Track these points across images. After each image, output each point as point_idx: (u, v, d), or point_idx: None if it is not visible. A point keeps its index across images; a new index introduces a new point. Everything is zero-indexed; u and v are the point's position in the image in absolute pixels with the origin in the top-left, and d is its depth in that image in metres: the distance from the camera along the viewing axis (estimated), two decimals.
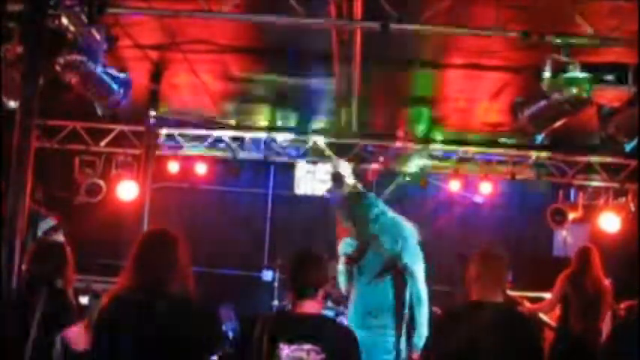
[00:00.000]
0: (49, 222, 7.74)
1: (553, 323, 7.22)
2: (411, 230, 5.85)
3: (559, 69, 5.73)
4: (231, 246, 10.47)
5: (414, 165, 7.80)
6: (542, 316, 7.33)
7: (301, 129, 9.90)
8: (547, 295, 7.41)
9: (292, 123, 9.80)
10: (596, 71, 5.89)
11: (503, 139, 9.23)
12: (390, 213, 5.96)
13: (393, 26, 5.49)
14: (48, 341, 4.26)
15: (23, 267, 4.67)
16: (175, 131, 9.71)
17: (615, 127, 6.10)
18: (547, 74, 5.74)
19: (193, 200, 10.53)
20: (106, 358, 3.69)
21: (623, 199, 9.49)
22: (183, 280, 3.80)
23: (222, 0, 5.69)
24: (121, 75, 6.36)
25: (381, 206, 5.94)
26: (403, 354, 5.40)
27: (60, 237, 6.69)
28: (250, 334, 3.49)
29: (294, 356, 3.41)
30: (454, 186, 10.13)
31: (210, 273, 9.25)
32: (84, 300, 6.39)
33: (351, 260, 5.76)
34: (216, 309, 8.74)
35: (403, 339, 5.54)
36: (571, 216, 9.56)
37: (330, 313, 8.56)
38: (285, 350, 3.42)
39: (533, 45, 5.81)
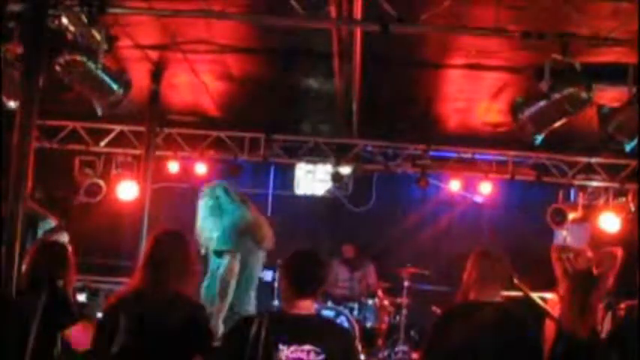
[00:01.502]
0: (50, 222, 7.75)
1: (555, 314, 7.15)
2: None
3: (559, 69, 5.74)
4: None
5: None
6: (543, 305, 7.28)
7: (301, 129, 9.90)
8: (548, 295, 7.39)
9: (292, 123, 9.79)
10: (596, 71, 5.90)
11: (503, 139, 9.23)
12: (244, 213, 6.19)
13: (393, 26, 5.49)
14: (48, 341, 4.26)
15: (23, 267, 4.67)
16: (175, 131, 9.71)
17: (615, 127, 6.10)
18: (547, 74, 5.75)
19: (193, 200, 10.50)
20: (108, 358, 3.70)
21: (623, 199, 9.49)
22: (192, 282, 3.84)
23: (223, 0, 5.69)
24: (121, 75, 6.36)
25: (235, 205, 6.20)
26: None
27: (64, 237, 6.69)
28: (244, 334, 3.46)
29: (294, 357, 3.40)
30: (454, 186, 10.14)
31: None
32: (81, 297, 6.40)
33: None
34: None
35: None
36: (571, 216, 9.55)
37: (330, 313, 8.58)
38: (284, 351, 3.41)
39: (533, 45, 5.81)
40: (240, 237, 6.15)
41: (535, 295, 7.38)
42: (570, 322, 6.99)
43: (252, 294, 6.35)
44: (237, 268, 6.03)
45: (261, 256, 6.45)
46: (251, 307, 6.30)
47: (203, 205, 6.34)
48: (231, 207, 6.26)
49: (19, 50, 5.64)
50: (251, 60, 7.50)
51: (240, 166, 9.81)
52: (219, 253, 6.14)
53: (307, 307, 3.57)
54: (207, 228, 6.28)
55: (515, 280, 7.08)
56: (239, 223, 6.19)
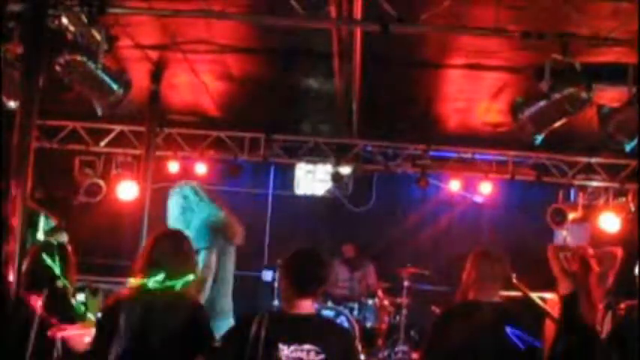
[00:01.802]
0: (50, 222, 7.75)
1: (555, 314, 7.15)
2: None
3: (559, 69, 5.74)
4: None
5: None
6: (546, 308, 7.28)
7: (301, 129, 9.90)
8: (548, 295, 7.38)
9: (292, 123, 9.80)
10: (596, 71, 5.90)
11: (503, 139, 9.23)
12: (214, 211, 6.21)
13: (393, 26, 5.49)
14: (48, 341, 4.26)
15: (23, 267, 4.67)
16: (175, 131, 9.71)
17: (615, 127, 6.10)
18: (547, 74, 5.75)
19: None
20: (107, 357, 3.69)
21: (623, 199, 9.49)
22: (193, 282, 3.84)
23: (223, 0, 5.69)
24: (121, 75, 6.36)
25: (205, 203, 6.21)
26: None
27: (64, 237, 6.70)
28: (244, 334, 3.46)
29: (294, 357, 3.40)
30: (454, 186, 10.14)
31: None
32: (80, 297, 6.38)
33: None
34: None
35: None
36: (571, 216, 9.55)
37: (330, 313, 8.58)
38: (284, 351, 3.40)
39: (533, 45, 5.81)
40: (214, 234, 6.17)
41: (534, 295, 7.39)
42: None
43: (227, 292, 6.36)
44: (214, 263, 6.04)
45: (233, 254, 6.48)
46: (227, 306, 6.31)
47: (173, 205, 6.35)
48: (200, 206, 6.29)
49: (19, 50, 5.64)
50: (251, 60, 7.50)
51: (240, 166, 9.81)
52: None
53: (307, 307, 3.56)
54: (179, 227, 6.29)
55: (514, 280, 7.09)
56: (211, 221, 6.21)
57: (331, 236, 10.49)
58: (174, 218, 6.27)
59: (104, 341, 3.72)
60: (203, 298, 5.91)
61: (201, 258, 6.02)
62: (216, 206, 6.37)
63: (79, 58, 5.75)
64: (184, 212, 6.24)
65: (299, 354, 3.41)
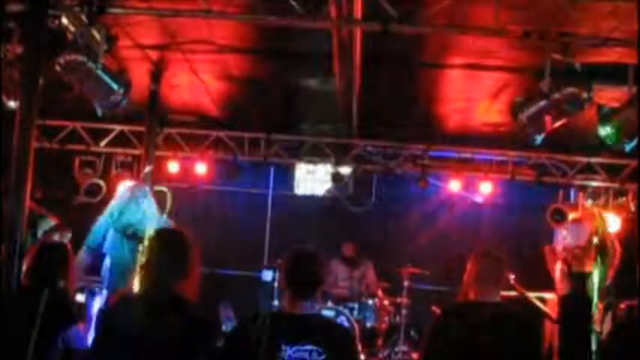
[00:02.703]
0: (49, 222, 7.74)
1: (554, 315, 7.17)
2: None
3: (559, 69, 5.74)
4: (231, 246, 10.47)
5: None
6: (543, 307, 7.30)
7: (301, 129, 9.90)
8: (548, 295, 7.41)
9: (292, 123, 9.80)
10: (596, 71, 5.90)
11: (503, 139, 9.23)
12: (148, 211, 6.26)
13: (393, 26, 5.49)
14: (48, 341, 4.26)
15: (24, 267, 4.67)
16: (175, 131, 9.72)
17: (615, 127, 6.10)
18: (547, 74, 5.75)
19: (193, 200, 10.52)
20: (107, 358, 3.69)
21: (623, 199, 9.49)
22: (192, 283, 3.83)
23: (223, 0, 5.69)
24: (121, 75, 6.36)
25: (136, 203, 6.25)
26: None
27: (66, 237, 6.71)
28: (247, 335, 3.46)
29: (296, 357, 3.41)
30: (454, 186, 10.14)
31: (210, 273, 9.24)
32: (80, 298, 6.40)
33: None
34: (216, 308, 8.75)
35: None
36: (571, 216, 9.55)
37: (330, 313, 8.57)
38: (286, 351, 3.41)
39: (533, 45, 5.81)
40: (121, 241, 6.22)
41: (532, 295, 7.41)
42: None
43: None
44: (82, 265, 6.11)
45: None
46: None
47: (115, 203, 6.34)
48: (129, 208, 6.32)
49: (19, 50, 5.64)
50: (251, 60, 7.50)
51: (240, 166, 9.81)
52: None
53: (308, 307, 3.57)
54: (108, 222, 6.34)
55: (512, 281, 7.11)
56: (126, 225, 6.24)
57: (331, 236, 10.49)
58: (108, 214, 6.28)
59: (105, 341, 3.72)
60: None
61: (81, 254, 6.09)
62: (154, 215, 6.35)
63: (79, 58, 5.76)
64: (122, 213, 6.24)
65: (301, 354, 3.41)
